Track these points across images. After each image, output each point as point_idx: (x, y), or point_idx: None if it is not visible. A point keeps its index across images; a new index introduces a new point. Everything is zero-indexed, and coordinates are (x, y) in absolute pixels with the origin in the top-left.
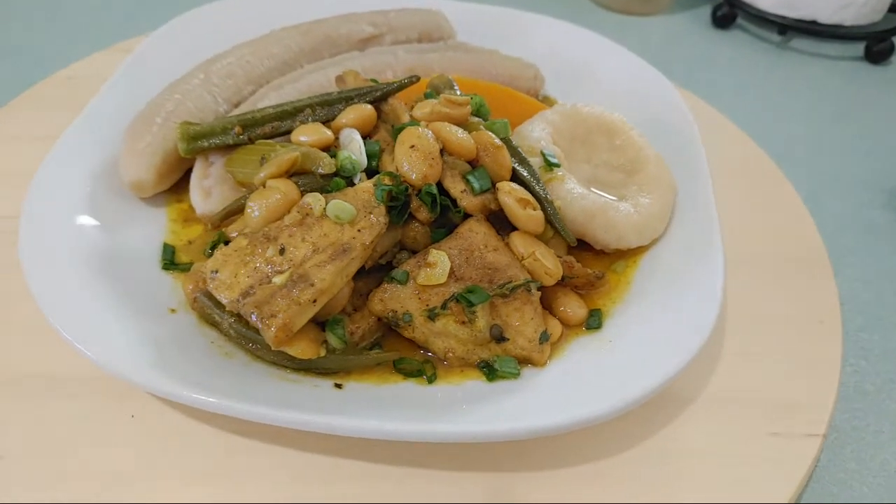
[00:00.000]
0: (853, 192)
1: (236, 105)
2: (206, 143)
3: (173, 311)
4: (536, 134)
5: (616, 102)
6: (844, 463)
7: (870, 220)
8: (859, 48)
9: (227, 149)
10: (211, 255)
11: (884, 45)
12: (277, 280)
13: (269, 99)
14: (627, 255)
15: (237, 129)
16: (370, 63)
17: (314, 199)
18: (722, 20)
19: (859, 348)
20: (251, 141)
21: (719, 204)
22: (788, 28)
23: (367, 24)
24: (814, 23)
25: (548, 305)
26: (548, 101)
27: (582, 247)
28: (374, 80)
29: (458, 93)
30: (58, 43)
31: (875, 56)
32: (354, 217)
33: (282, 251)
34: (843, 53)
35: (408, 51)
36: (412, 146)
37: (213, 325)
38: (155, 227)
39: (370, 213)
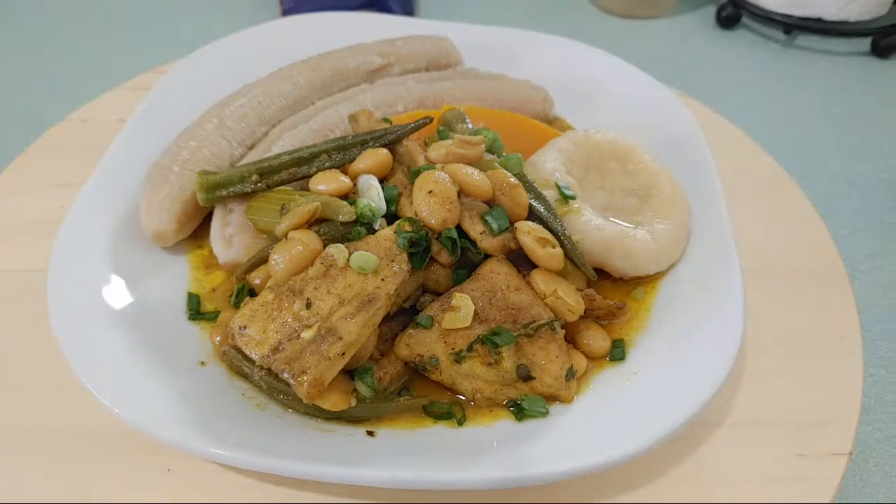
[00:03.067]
0: (867, 193)
1: (251, 147)
2: (224, 192)
3: (202, 363)
4: (550, 165)
5: (625, 121)
6: (870, 476)
7: (885, 221)
8: (866, 43)
9: (246, 196)
10: (236, 303)
11: (891, 39)
12: (306, 335)
13: (284, 140)
14: (646, 280)
15: (255, 177)
16: (381, 96)
17: (337, 251)
18: (727, 20)
19: (878, 357)
20: (269, 188)
21: (731, 218)
22: (793, 27)
23: (376, 54)
24: (819, 20)
25: (571, 338)
26: (558, 122)
27: (601, 275)
28: (386, 120)
29: (470, 126)
30: (66, 79)
31: (882, 50)
32: (378, 266)
33: (308, 305)
34: (850, 49)
35: (417, 80)
36: (430, 192)
37: (244, 376)
38: (178, 275)
39: (393, 260)
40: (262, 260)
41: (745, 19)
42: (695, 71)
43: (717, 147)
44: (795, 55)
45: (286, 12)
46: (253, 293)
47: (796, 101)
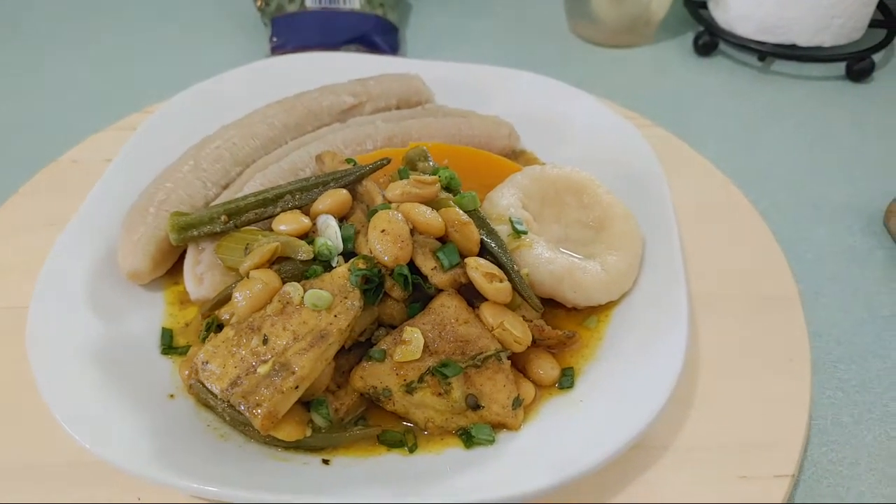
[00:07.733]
0: (834, 217)
1: (225, 187)
2: (195, 233)
3: (172, 396)
4: (505, 201)
5: (588, 153)
6: (822, 498)
7: (850, 246)
8: (841, 68)
9: (216, 235)
10: (204, 338)
11: (864, 63)
12: (261, 370)
13: (255, 180)
14: (599, 310)
15: (223, 217)
16: (351, 135)
17: (293, 289)
18: (704, 48)
19: (837, 380)
20: (237, 228)
21: (691, 246)
22: (768, 54)
23: (348, 94)
24: (793, 46)
25: (522, 367)
26: (524, 156)
27: (556, 304)
28: (350, 160)
29: (432, 163)
30: (61, 120)
31: (856, 75)
32: (331, 303)
33: (265, 341)
34: (825, 74)
35: (386, 119)
36: (383, 230)
37: (209, 408)
38: (154, 311)
39: (346, 297)
40: (227, 297)
41: (722, 46)
42: (673, 98)
43: (681, 176)
44: (771, 81)
45: (275, 48)
46: (221, 328)
47: (771, 126)
